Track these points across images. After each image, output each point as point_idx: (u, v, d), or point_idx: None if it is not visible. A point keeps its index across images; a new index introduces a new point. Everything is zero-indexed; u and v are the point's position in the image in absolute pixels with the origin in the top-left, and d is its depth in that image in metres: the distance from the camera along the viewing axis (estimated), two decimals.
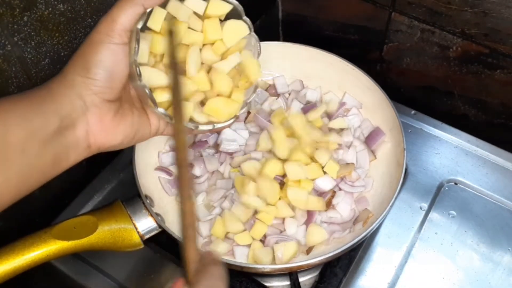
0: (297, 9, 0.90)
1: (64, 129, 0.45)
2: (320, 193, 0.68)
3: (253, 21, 0.58)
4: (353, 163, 0.70)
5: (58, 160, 0.45)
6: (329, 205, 0.68)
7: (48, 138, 0.43)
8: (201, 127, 0.56)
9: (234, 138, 0.72)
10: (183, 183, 0.35)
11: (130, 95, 0.53)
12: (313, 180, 0.67)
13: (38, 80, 0.60)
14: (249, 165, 0.68)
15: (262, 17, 0.89)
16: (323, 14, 0.87)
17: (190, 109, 0.55)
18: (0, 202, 0.43)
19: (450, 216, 0.70)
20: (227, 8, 0.55)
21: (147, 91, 0.50)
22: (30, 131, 0.42)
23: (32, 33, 0.57)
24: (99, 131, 0.48)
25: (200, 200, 0.69)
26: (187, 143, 0.44)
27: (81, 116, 0.46)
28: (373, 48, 0.86)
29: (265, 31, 0.56)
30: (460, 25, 0.72)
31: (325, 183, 0.68)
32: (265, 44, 0.64)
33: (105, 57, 0.46)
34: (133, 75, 0.49)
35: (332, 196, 0.68)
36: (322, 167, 0.68)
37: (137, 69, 0.49)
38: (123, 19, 0.46)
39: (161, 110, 0.51)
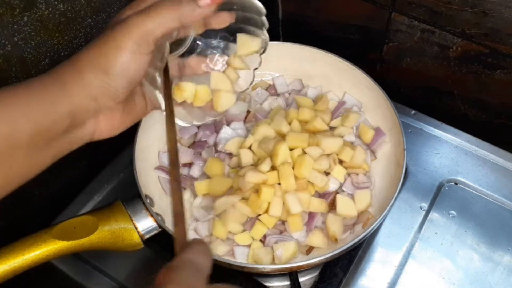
0: (297, 9, 0.90)
1: (72, 127, 0.44)
2: (322, 194, 0.68)
3: None
4: (366, 163, 0.71)
5: (60, 153, 0.45)
6: (331, 206, 0.68)
7: (55, 136, 0.42)
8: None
9: (233, 137, 0.72)
10: (173, 179, 0.39)
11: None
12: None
13: None
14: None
15: None
16: (323, 14, 0.87)
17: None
18: None
19: (450, 216, 0.70)
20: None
21: (160, 99, 0.49)
22: (38, 130, 0.41)
23: (32, 33, 0.57)
24: (107, 128, 0.47)
25: (198, 201, 0.69)
26: (177, 146, 0.44)
27: (93, 116, 0.45)
28: (373, 48, 0.85)
29: None
30: (460, 25, 0.72)
31: (330, 185, 0.68)
32: None
33: (129, 66, 0.44)
34: (149, 79, 0.49)
35: (335, 198, 0.68)
36: (327, 172, 0.68)
37: (159, 79, 0.47)
38: (157, 31, 0.43)
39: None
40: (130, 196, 0.62)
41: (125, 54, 0.43)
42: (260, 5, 0.51)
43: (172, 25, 0.44)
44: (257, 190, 0.65)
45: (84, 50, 0.44)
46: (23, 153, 0.41)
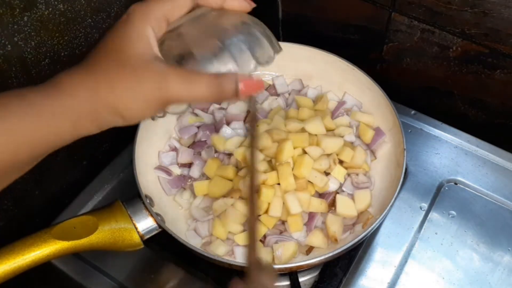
0: (297, 9, 0.90)
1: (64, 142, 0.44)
2: (322, 194, 0.68)
3: None
4: (366, 163, 0.71)
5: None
6: (331, 206, 0.68)
7: (46, 153, 0.43)
8: None
9: (233, 137, 0.72)
10: (252, 204, 0.45)
11: None
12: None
13: (38, 81, 0.60)
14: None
15: (262, 17, 0.89)
16: (323, 14, 0.87)
17: None
18: None
19: (450, 216, 0.70)
20: None
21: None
22: (36, 154, 0.41)
23: (32, 33, 0.57)
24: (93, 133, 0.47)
25: (198, 201, 0.69)
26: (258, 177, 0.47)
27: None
28: (373, 48, 0.85)
29: None
30: (460, 25, 0.72)
31: (330, 185, 0.68)
32: None
33: (145, 116, 0.44)
34: None
35: (335, 198, 0.68)
36: (327, 172, 0.68)
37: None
38: (187, 100, 0.43)
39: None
40: (130, 196, 0.62)
41: (149, 111, 0.43)
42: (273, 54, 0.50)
43: (204, 101, 0.44)
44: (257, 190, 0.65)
45: (109, 86, 0.42)
46: (16, 171, 0.42)
